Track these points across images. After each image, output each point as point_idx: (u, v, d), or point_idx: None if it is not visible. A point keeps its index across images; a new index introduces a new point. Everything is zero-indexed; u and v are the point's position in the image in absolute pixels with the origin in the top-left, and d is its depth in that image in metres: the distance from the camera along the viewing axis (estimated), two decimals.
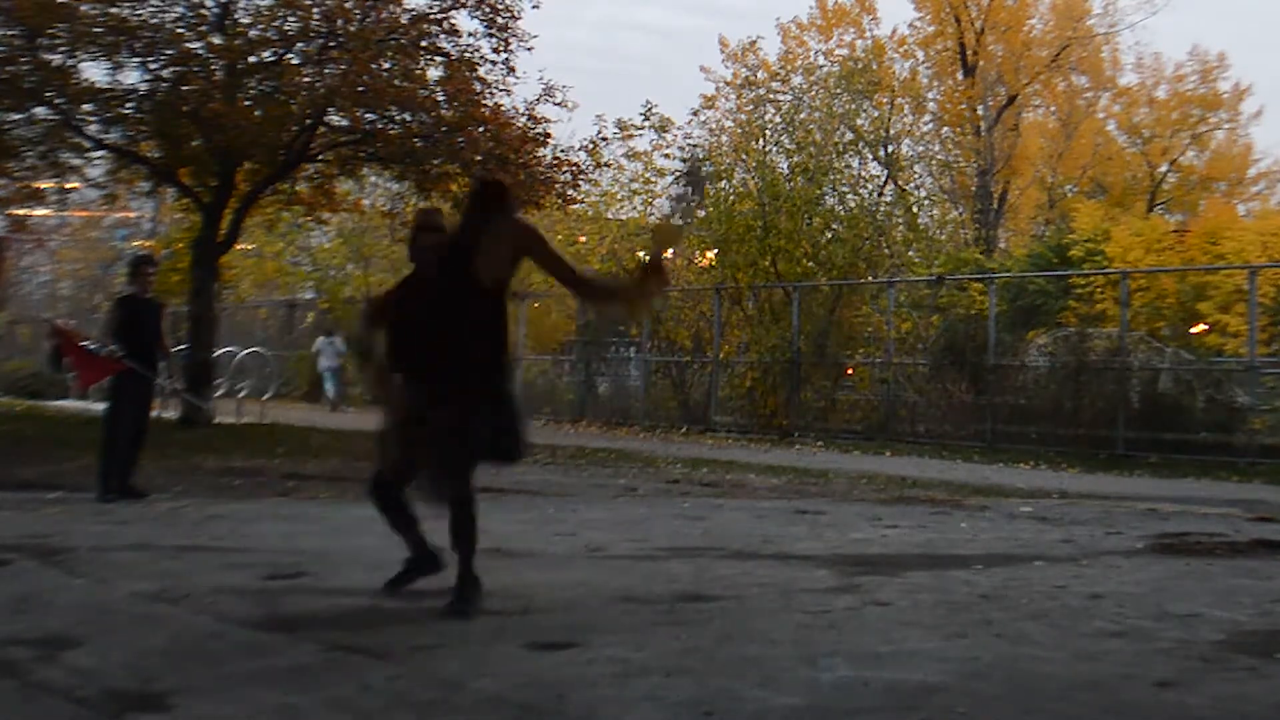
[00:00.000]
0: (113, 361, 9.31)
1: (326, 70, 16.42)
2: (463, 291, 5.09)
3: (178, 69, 16.09)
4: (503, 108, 17.09)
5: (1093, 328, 18.43)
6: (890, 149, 25.84)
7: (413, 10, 16.85)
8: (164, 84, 16.20)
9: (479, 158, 16.82)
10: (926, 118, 29.56)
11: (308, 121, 16.77)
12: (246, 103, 16.27)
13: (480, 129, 16.67)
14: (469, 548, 5.41)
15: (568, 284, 5.29)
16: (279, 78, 16.49)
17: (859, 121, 24.07)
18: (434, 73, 17.18)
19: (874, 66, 26.01)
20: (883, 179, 25.00)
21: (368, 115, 16.72)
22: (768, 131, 22.81)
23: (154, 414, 10.02)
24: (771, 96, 24.12)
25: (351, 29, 16.22)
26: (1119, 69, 37.23)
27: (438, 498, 5.40)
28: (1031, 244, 28.93)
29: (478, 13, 16.94)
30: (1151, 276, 20.45)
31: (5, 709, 3.78)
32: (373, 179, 22.52)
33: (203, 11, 16.49)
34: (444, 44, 17.09)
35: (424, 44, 17.00)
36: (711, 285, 22.49)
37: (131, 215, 38.47)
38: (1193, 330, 20.36)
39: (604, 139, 21.00)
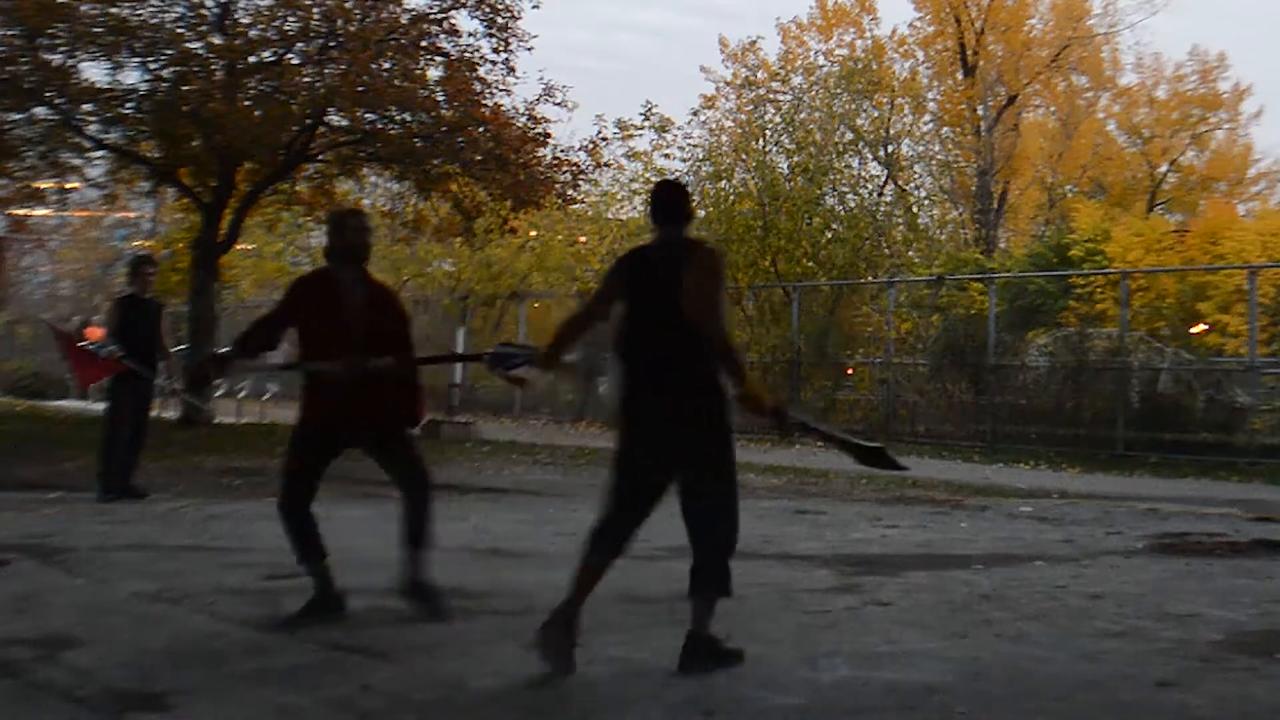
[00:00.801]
0: (112, 361, 9.31)
1: (326, 70, 16.42)
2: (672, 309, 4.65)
3: (178, 69, 16.09)
4: (503, 108, 17.10)
5: (1093, 328, 18.41)
6: (890, 149, 25.82)
7: (413, 10, 16.86)
8: (164, 84, 16.21)
9: (479, 158, 16.82)
10: (926, 118, 29.52)
11: (308, 121, 16.78)
12: (246, 103, 16.27)
13: (480, 129, 16.68)
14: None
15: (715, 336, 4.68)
16: (279, 78, 16.49)
17: (859, 121, 24.06)
18: (434, 73, 17.19)
19: (874, 66, 25.99)
20: (883, 179, 24.99)
21: (368, 115, 16.73)
22: (768, 131, 22.81)
23: (154, 414, 10.01)
24: (771, 96, 24.11)
25: (351, 29, 16.22)
26: (1119, 69, 37.21)
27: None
28: (1031, 244, 28.90)
29: (478, 13, 16.94)
30: (1151, 276, 20.43)
31: (5, 709, 3.78)
32: (373, 179, 22.51)
33: (203, 11, 16.49)
34: (444, 44, 17.10)
35: (424, 44, 17.01)
36: None
37: (131, 215, 38.46)
38: (1193, 330, 20.33)
39: (604, 139, 21.01)
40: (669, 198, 4.79)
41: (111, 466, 9.31)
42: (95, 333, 23.17)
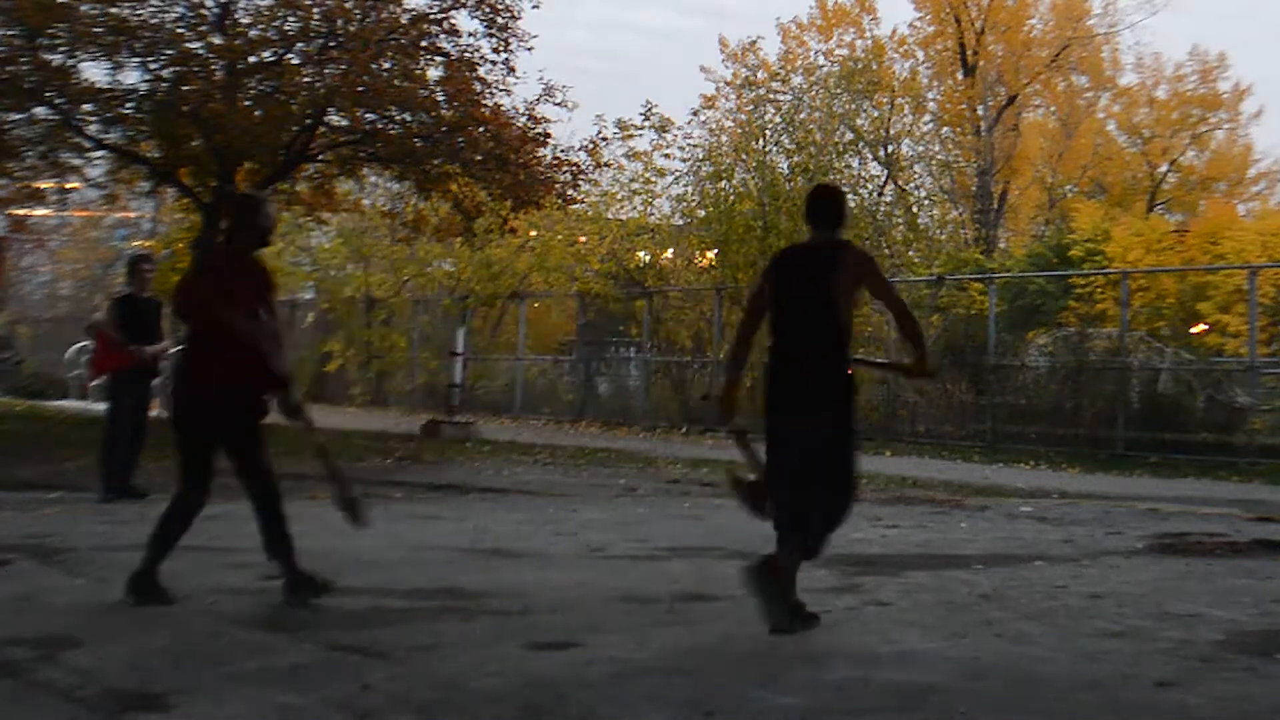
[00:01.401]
0: (128, 353, 9.33)
1: (326, 70, 16.41)
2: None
3: (178, 69, 16.08)
4: (503, 108, 17.09)
5: (1093, 328, 18.42)
6: (890, 149, 25.83)
7: (413, 10, 16.84)
8: (164, 84, 16.19)
9: (479, 158, 16.82)
10: (926, 118, 29.53)
11: (308, 121, 16.77)
12: (246, 103, 16.26)
13: (480, 129, 16.66)
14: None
15: (896, 310, 5.49)
16: (279, 78, 16.48)
17: (859, 121, 24.06)
18: (434, 73, 17.17)
19: (874, 66, 25.98)
20: (883, 179, 25.00)
21: (368, 115, 16.71)
22: (768, 131, 22.80)
23: (153, 414, 10.00)
24: (771, 96, 24.10)
25: (351, 29, 16.21)
26: (1119, 69, 37.20)
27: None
28: (1031, 244, 28.90)
29: (478, 13, 16.93)
30: (1151, 276, 20.42)
31: (5, 709, 3.78)
32: (373, 179, 22.50)
33: (203, 11, 16.48)
34: (444, 44, 17.08)
35: (424, 44, 16.99)
36: (711, 285, 22.47)
37: (131, 215, 38.44)
38: (1193, 330, 20.33)
39: (604, 139, 21.00)
40: (825, 202, 5.33)
41: (112, 466, 9.31)
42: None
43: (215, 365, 5.38)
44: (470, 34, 17.10)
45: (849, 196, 22.52)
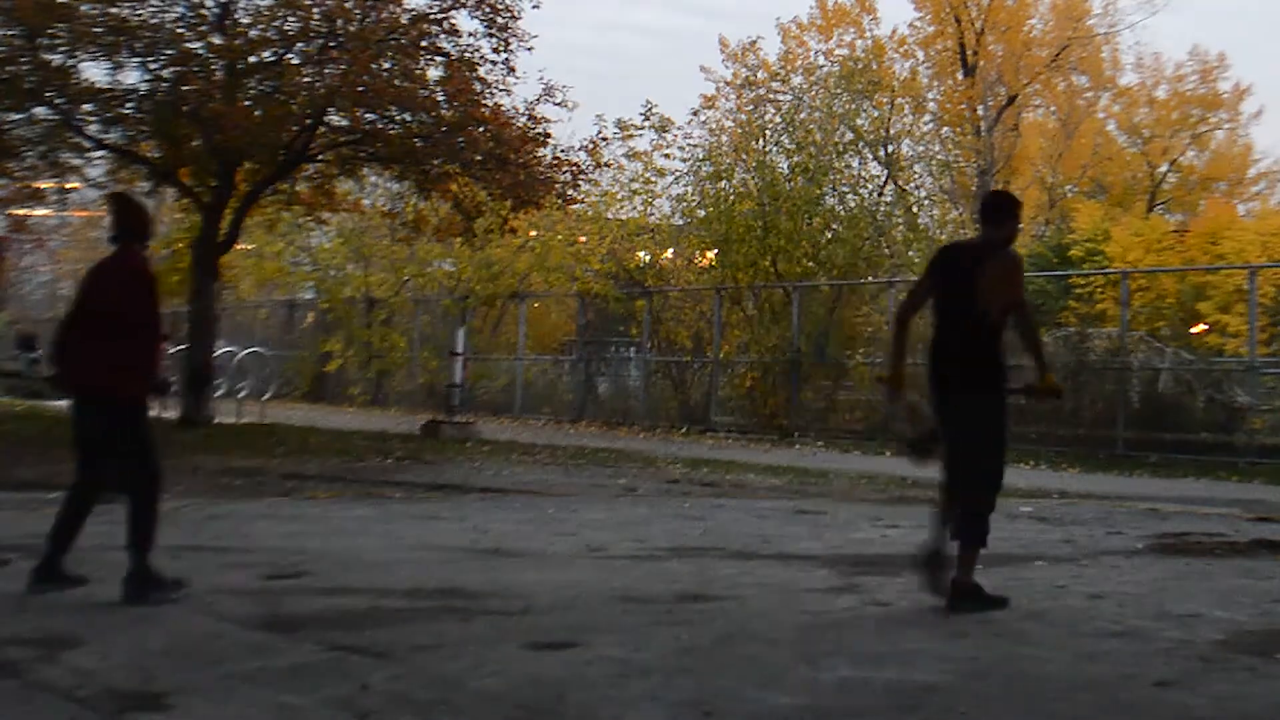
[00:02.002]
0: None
1: (326, 70, 16.41)
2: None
3: (178, 69, 16.07)
4: (503, 108, 17.08)
5: (1093, 328, 18.42)
6: (890, 149, 25.79)
7: (413, 10, 16.84)
8: (164, 84, 16.19)
9: (479, 158, 16.81)
10: (926, 118, 29.46)
11: (308, 121, 16.76)
12: (246, 103, 16.25)
13: (480, 129, 16.66)
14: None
15: (1019, 315, 5.66)
16: (279, 78, 16.48)
17: (859, 121, 24.02)
18: (434, 73, 17.16)
19: (874, 66, 25.97)
20: (883, 179, 24.97)
21: (368, 115, 16.71)
22: (768, 131, 22.79)
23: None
24: (771, 96, 24.10)
25: (351, 29, 16.20)
26: (1119, 69, 37.23)
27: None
28: (1031, 244, 28.91)
29: (478, 13, 16.92)
30: (1151, 276, 20.44)
31: (5, 709, 3.78)
32: (373, 179, 22.50)
33: (203, 11, 16.47)
34: (444, 44, 17.07)
35: (424, 44, 16.98)
36: (711, 285, 22.47)
37: None
38: (1193, 330, 20.34)
39: (604, 139, 21.00)
40: (994, 205, 5.73)
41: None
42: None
43: (101, 354, 5.66)
44: (470, 34, 17.11)
45: (849, 196, 22.72)
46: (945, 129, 31.27)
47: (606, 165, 21.77)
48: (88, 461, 5.80)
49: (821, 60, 27.50)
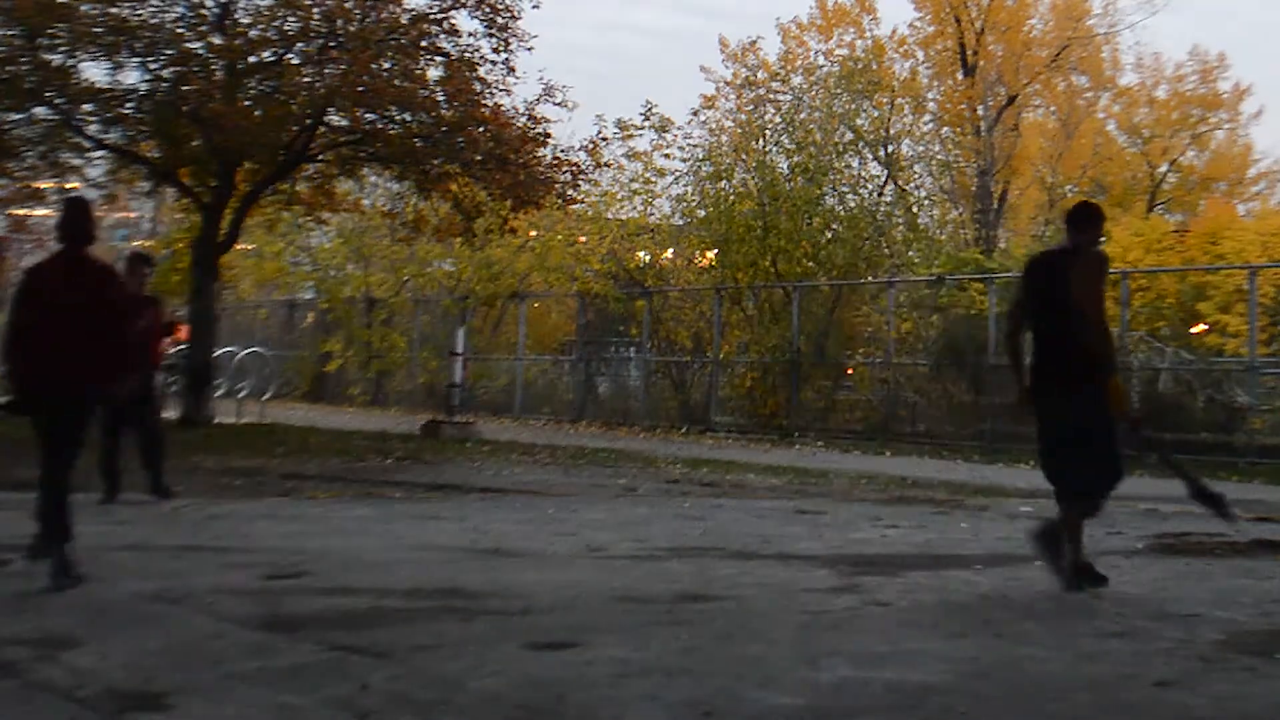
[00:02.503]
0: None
1: (326, 70, 16.42)
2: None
3: (178, 69, 16.08)
4: (503, 108, 17.09)
5: None
6: (890, 149, 25.81)
7: (413, 10, 16.85)
8: (164, 84, 16.20)
9: (479, 158, 16.81)
10: (926, 118, 29.48)
11: (308, 121, 16.77)
12: (246, 103, 16.26)
13: (480, 129, 16.66)
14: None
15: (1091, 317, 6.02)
16: (279, 78, 16.48)
17: (859, 121, 24.04)
18: (434, 73, 17.17)
19: (874, 66, 25.97)
20: (883, 179, 24.98)
21: (368, 115, 16.71)
22: (768, 131, 22.80)
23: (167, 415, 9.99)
24: (771, 96, 24.10)
25: (351, 29, 16.21)
26: (1119, 69, 37.18)
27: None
28: (1031, 244, 28.91)
29: (478, 13, 16.93)
30: (1151, 276, 20.42)
31: (5, 709, 3.78)
32: (373, 179, 22.50)
33: (203, 11, 16.48)
34: (444, 44, 17.08)
35: (424, 44, 16.99)
36: (711, 285, 22.47)
37: (131, 215, 38.44)
38: (1193, 330, 20.32)
39: (604, 139, 21.00)
40: (1084, 214, 6.19)
41: (158, 464, 9.28)
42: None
43: (54, 350, 5.90)
44: (470, 34, 17.13)
45: (849, 196, 22.73)
46: (945, 129, 31.29)
47: (606, 165, 21.79)
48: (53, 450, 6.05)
49: (821, 60, 27.51)
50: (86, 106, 16.45)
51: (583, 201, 22.06)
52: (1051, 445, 6.18)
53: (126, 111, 16.44)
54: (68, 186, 20.92)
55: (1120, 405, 6.16)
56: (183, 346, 20.54)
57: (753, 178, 22.21)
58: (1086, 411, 5.89)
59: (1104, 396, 5.92)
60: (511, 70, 17.22)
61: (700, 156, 22.93)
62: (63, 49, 15.84)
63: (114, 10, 15.58)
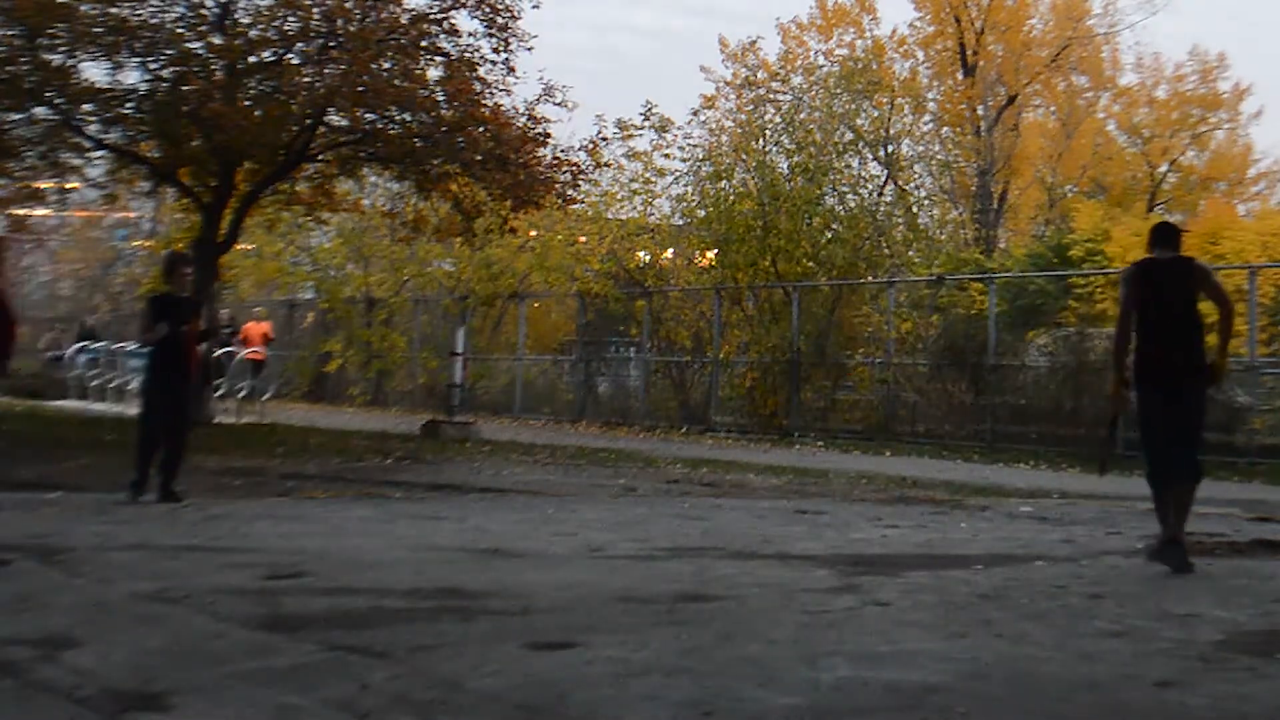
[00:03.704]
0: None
1: (326, 70, 16.40)
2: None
3: (178, 69, 16.07)
4: (503, 108, 17.07)
5: (1093, 328, 18.41)
6: (890, 149, 25.82)
7: (413, 10, 16.82)
8: (164, 84, 16.18)
9: (479, 158, 16.80)
10: (926, 118, 29.50)
11: (308, 121, 16.76)
12: (246, 103, 16.24)
13: (480, 129, 16.65)
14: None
15: (1225, 309, 6.95)
16: (279, 78, 16.47)
17: (859, 121, 24.06)
18: (434, 73, 17.15)
19: (874, 66, 26.00)
20: (883, 179, 24.99)
21: (368, 115, 16.70)
22: (768, 131, 22.80)
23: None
24: (771, 96, 24.11)
25: (351, 29, 16.19)
26: (1119, 69, 37.19)
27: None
28: (1031, 244, 28.92)
29: (478, 13, 16.91)
30: None
31: (5, 709, 3.78)
32: (373, 179, 22.49)
33: (203, 11, 16.47)
34: (444, 44, 17.06)
35: (424, 44, 16.97)
36: (711, 285, 22.47)
37: (131, 215, 38.45)
38: None
39: (604, 139, 20.99)
40: (1171, 233, 7.17)
41: (143, 466, 9.26)
42: (254, 329, 23.19)
43: None
44: (470, 34, 17.09)
45: (849, 196, 22.73)
46: (945, 129, 31.32)
47: (606, 165, 21.79)
48: None
49: (821, 60, 27.55)
50: (86, 106, 16.44)
51: (583, 201, 22.06)
52: (1158, 431, 6.83)
53: (126, 111, 16.43)
54: (68, 186, 20.97)
55: (1220, 368, 6.88)
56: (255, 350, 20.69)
57: (753, 178, 22.21)
58: (1199, 401, 6.86)
59: (1205, 391, 6.92)
60: (511, 70, 17.21)
61: (700, 156, 22.95)
62: (63, 49, 15.82)
63: (114, 10, 15.56)
